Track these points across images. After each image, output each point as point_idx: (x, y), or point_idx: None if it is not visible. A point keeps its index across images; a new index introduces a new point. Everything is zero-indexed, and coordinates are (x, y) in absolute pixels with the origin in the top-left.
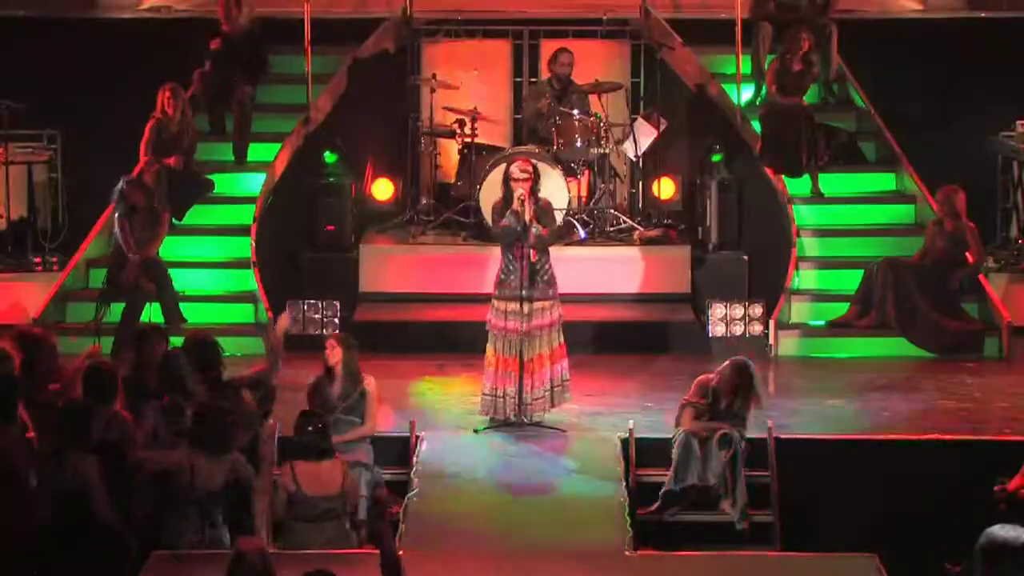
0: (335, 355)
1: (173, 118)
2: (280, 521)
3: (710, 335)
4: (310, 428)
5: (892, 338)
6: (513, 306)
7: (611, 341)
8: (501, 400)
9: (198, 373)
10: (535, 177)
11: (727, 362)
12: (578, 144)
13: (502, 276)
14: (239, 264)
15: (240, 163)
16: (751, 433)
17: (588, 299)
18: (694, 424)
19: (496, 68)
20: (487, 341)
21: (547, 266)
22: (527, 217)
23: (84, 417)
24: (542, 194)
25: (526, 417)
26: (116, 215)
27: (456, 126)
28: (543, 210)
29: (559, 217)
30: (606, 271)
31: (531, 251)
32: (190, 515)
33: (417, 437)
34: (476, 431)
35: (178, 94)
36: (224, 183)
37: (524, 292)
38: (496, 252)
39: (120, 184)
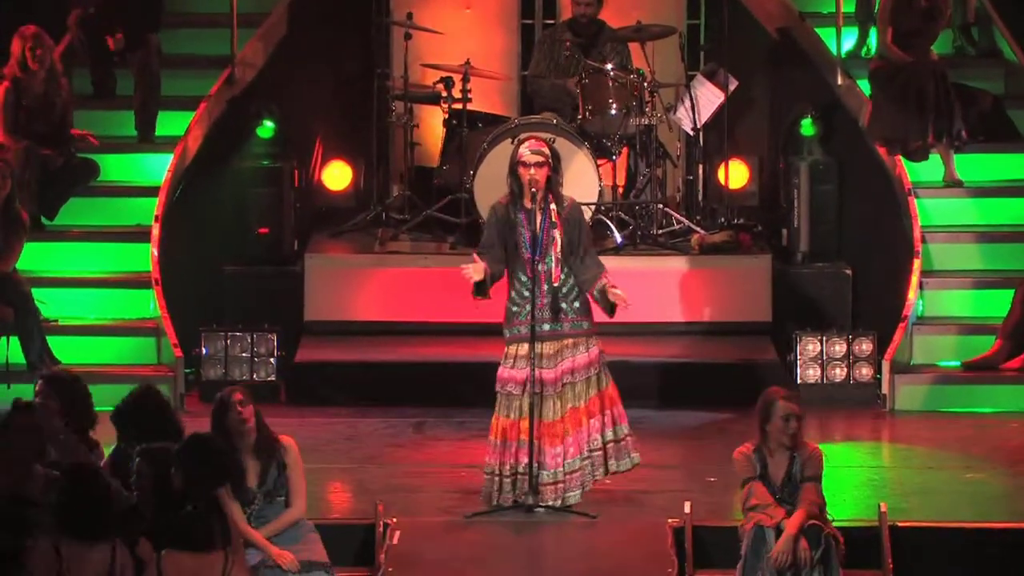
0: (248, 416)
1: (37, 75)
2: None
3: (799, 381)
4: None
5: None
6: (529, 348)
7: (659, 391)
8: (508, 481)
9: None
10: (553, 162)
11: (759, 404)
12: (613, 112)
13: (512, 308)
14: (135, 281)
15: (145, 140)
16: (854, 519)
17: (625, 331)
18: (765, 501)
19: (497, 6)
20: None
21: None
22: (554, 248)
23: None
24: (566, 189)
25: (552, 499)
26: None
27: (440, 87)
28: (571, 220)
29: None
30: (651, 291)
31: (553, 270)
32: None
33: (385, 525)
34: (468, 517)
35: (42, 42)
36: (115, 167)
37: (536, 325)
38: None
39: None
